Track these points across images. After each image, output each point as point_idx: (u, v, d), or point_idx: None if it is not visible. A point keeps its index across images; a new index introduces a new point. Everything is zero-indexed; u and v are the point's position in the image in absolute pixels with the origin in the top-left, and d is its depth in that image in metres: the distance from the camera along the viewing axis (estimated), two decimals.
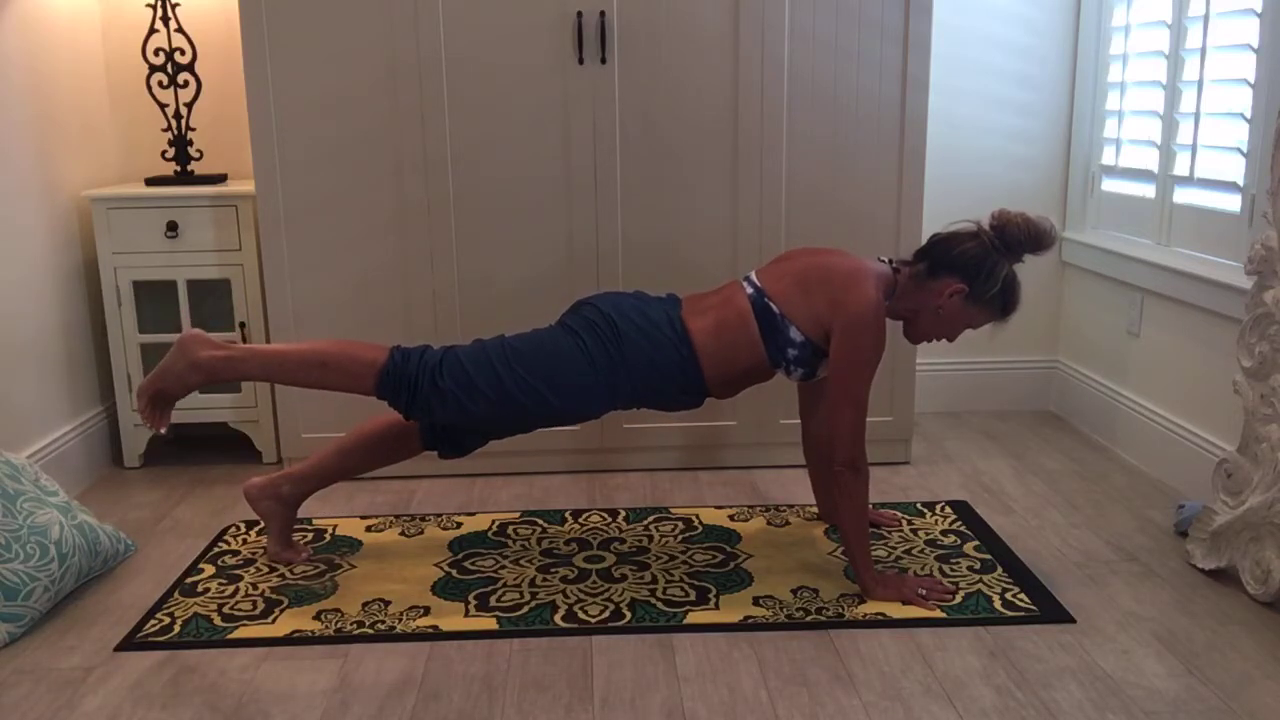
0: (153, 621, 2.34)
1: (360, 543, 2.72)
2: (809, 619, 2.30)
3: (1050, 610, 2.33)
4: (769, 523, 2.81)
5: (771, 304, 2.41)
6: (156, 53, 3.24)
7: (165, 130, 3.31)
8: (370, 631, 2.28)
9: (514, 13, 2.91)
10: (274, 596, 2.43)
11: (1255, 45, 2.65)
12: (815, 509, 2.85)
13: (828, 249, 2.56)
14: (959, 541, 2.67)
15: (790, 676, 2.09)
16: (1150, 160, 3.16)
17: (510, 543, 2.70)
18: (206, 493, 3.09)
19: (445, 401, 2.35)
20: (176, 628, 2.31)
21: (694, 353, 2.40)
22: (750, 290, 2.44)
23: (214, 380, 2.42)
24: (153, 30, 3.23)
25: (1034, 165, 3.60)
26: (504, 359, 2.36)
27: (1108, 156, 3.41)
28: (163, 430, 2.44)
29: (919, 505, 2.90)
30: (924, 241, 2.51)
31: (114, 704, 2.04)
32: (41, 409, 2.98)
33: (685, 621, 2.30)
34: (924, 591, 2.36)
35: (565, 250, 3.05)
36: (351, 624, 2.31)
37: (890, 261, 2.49)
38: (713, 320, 2.43)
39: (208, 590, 2.48)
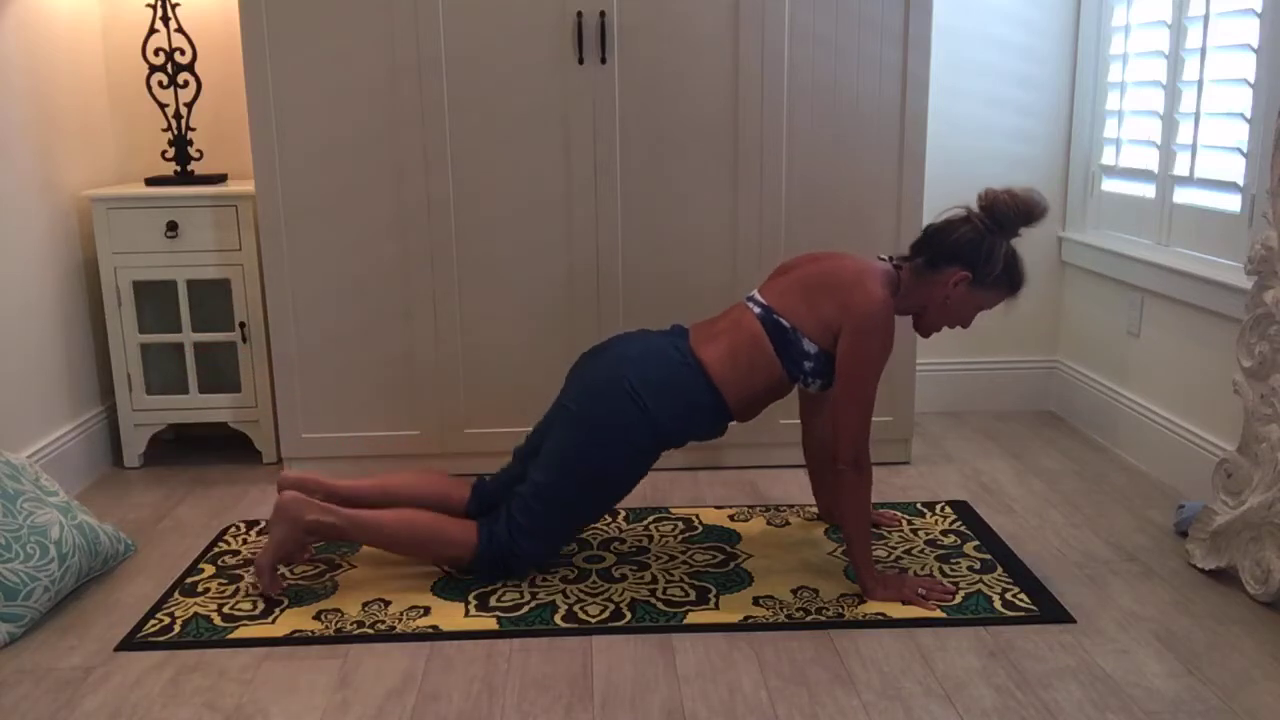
0: (153, 621, 2.34)
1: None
2: (809, 619, 2.30)
3: (1050, 610, 2.33)
4: (769, 523, 2.81)
5: (781, 319, 2.41)
6: (156, 53, 3.24)
7: (165, 130, 3.31)
8: (370, 631, 2.28)
9: (514, 13, 2.91)
10: (274, 596, 2.43)
11: (1255, 45, 2.65)
12: (815, 509, 2.85)
13: (827, 253, 2.55)
14: (959, 541, 2.67)
15: (790, 676, 2.09)
16: (1150, 160, 3.16)
17: None
18: (206, 493, 3.09)
19: (536, 557, 2.48)
20: (176, 628, 2.31)
21: (711, 383, 2.41)
22: (757, 310, 2.44)
23: (322, 539, 2.53)
24: (153, 30, 3.23)
25: (1034, 165, 3.60)
26: (557, 500, 2.43)
27: (1108, 156, 3.41)
28: (276, 594, 2.43)
29: (919, 505, 2.90)
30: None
31: (114, 704, 2.04)
32: (41, 409, 2.98)
33: (685, 621, 2.30)
34: (924, 591, 2.36)
35: (565, 250, 3.05)
36: (351, 624, 2.31)
37: (891, 259, 2.49)
38: (725, 346, 2.43)
39: (208, 590, 2.48)
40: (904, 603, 2.35)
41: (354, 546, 2.68)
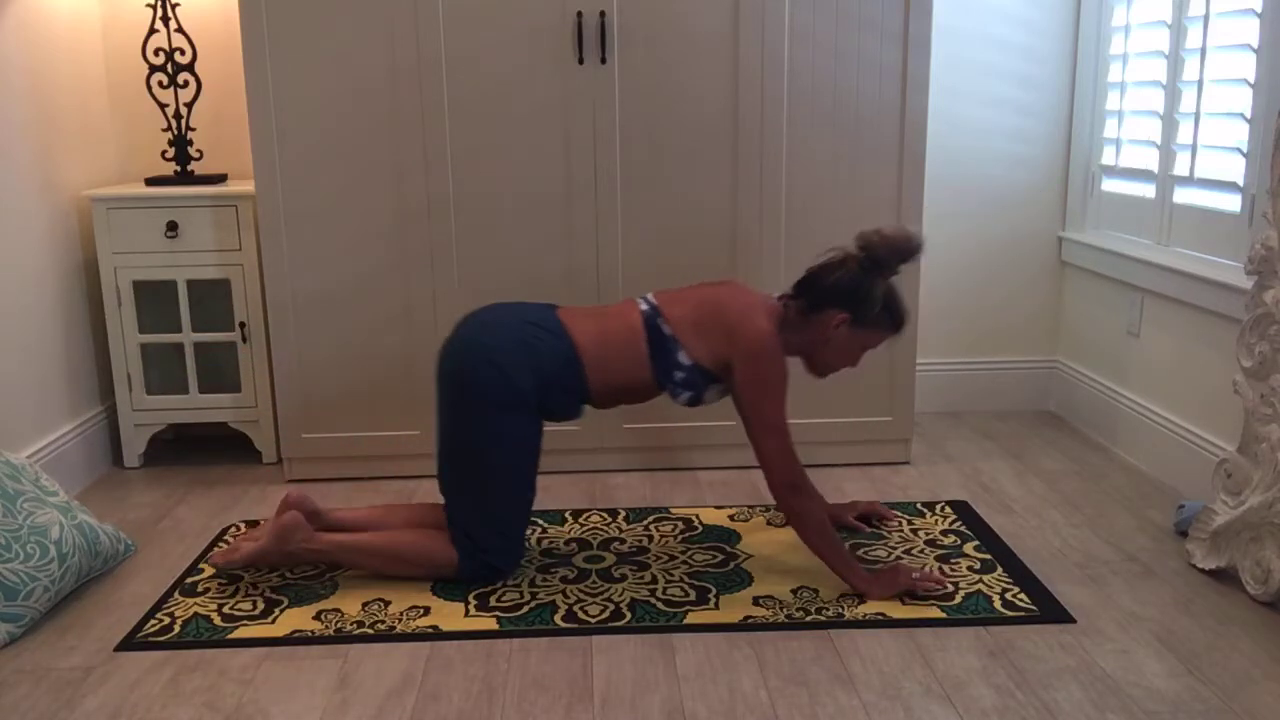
0: (153, 621, 2.34)
1: None
2: (809, 619, 2.30)
3: (1050, 610, 2.33)
4: (769, 523, 2.80)
5: (664, 325, 2.42)
6: (156, 53, 3.24)
7: (165, 130, 3.31)
8: (370, 631, 2.28)
9: (514, 13, 2.91)
10: (274, 596, 2.43)
11: (1255, 45, 2.65)
12: None
13: (723, 283, 2.55)
14: (959, 541, 2.67)
15: (790, 676, 2.09)
16: (1150, 160, 3.16)
17: None
18: (206, 493, 3.09)
19: (504, 552, 2.47)
20: (176, 628, 2.31)
21: (575, 351, 2.40)
22: (644, 307, 2.45)
23: (301, 563, 2.56)
24: (153, 30, 3.23)
25: (1034, 165, 3.60)
26: (469, 487, 2.43)
27: (1108, 156, 3.41)
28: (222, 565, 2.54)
29: (919, 505, 2.90)
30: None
31: (114, 704, 2.04)
32: (41, 409, 2.98)
33: (685, 621, 2.30)
34: (918, 575, 2.37)
35: (565, 249, 3.05)
36: (351, 624, 2.31)
37: (781, 297, 2.50)
38: (597, 325, 2.44)
39: (208, 590, 2.48)
40: (903, 592, 2.35)
41: None
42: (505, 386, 2.37)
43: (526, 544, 2.66)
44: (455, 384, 2.41)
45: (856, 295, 2.39)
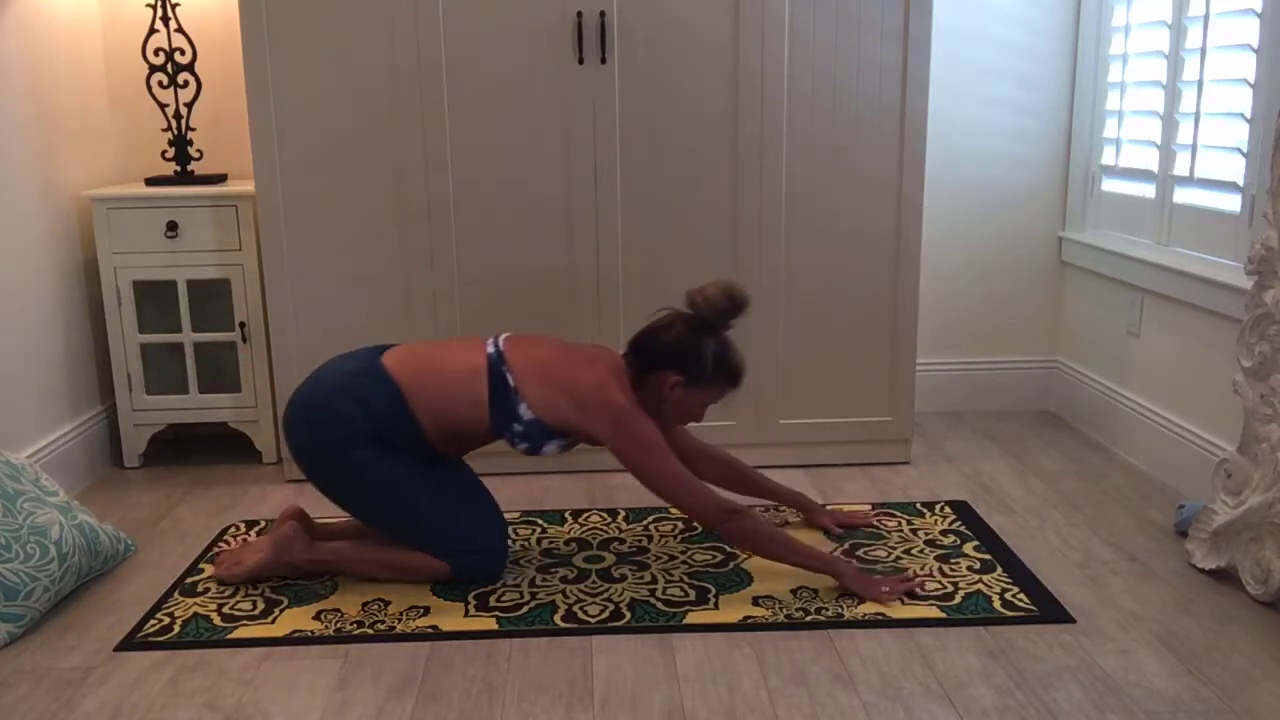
0: (153, 621, 2.34)
1: None
2: (809, 619, 2.30)
3: (1050, 610, 2.33)
4: None
5: (508, 374, 2.39)
6: (156, 53, 3.24)
7: (165, 130, 3.31)
8: (370, 631, 2.28)
9: (514, 13, 2.91)
10: (274, 596, 2.43)
11: (1255, 45, 2.65)
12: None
13: (575, 355, 2.47)
14: (959, 541, 2.67)
15: (790, 676, 2.09)
16: (1150, 160, 3.16)
17: (510, 543, 2.70)
18: (206, 493, 3.09)
19: (488, 552, 2.48)
20: (176, 628, 2.31)
21: (401, 394, 2.37)
22: (491, 350, 2.43)
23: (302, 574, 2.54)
24: (153, 30, 3.23)
25: (1034, 165, 3.60)
26: (383, 517, 2.47)
27: (1108, 156, 3.41)
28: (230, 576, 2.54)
29: (919, 505, 2.90)
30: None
31: (114, 704, 2.04)
32: (41, 409, 2.98)
33: (685, 621, 2.30)
34: (887, 589, 2.36)
35: (565, 249, 3.06)
36: (351, 624, 2.31)
37: (624, 355, 2.48)
38: (427, 368, 2.41)
39: (208, 590, 2.48)
40: (897, 594, 2.36)
41: None
42: (344, 426, 2.37)
43: (511, 535, 2.67)
44: (301, 445, 2.43)
45: (686, 357, 2.39)
